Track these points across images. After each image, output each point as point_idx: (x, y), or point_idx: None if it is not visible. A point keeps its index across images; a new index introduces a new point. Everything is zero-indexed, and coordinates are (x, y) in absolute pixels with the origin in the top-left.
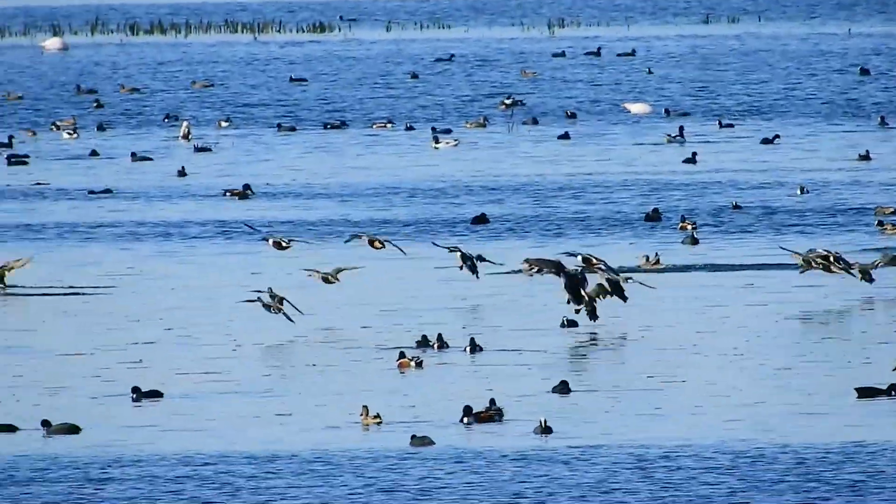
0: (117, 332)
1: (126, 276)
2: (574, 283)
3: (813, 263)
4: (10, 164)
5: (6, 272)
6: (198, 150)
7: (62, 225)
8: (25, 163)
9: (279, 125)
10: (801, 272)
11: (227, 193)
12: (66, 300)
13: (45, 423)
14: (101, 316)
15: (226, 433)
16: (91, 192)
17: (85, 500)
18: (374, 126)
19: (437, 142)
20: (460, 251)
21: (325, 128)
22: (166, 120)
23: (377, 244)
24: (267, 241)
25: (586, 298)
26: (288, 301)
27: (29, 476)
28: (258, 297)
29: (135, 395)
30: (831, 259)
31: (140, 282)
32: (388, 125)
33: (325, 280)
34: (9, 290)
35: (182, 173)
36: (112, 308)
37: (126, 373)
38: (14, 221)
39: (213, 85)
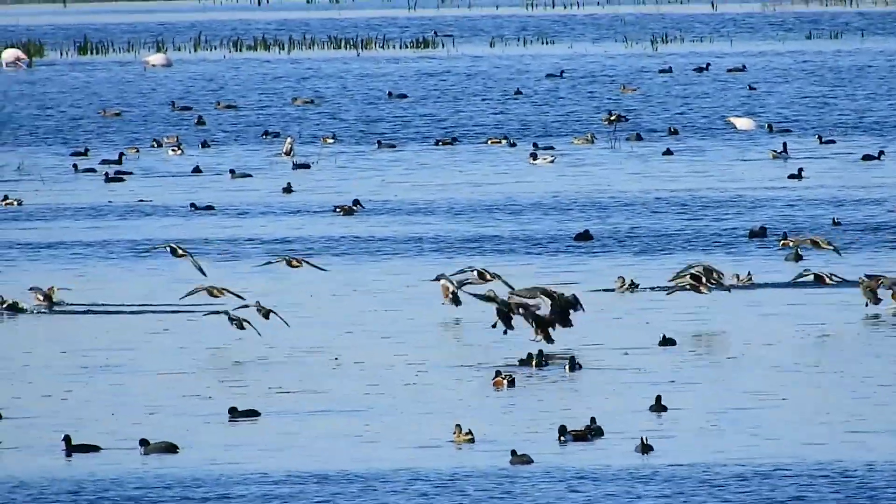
0: (218, 350)
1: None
2: (504, 310)
3: (689, 279)
4: (107, 181)
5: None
6: (297, 166)
7: (167, 242)
8: (123, 180)
9: (379, 142)
10: (669, 294)
11: (338, 209)
12: (168, 318)
13: (144, 442)
14: (202, 334)
15: (323, 452)
16: (194, 207)
17: None
18: (489, 142)
19: (534, 158)
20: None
21: (437, 144)
22: (265, 137)
23: (294, 263)
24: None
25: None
26: (276, 313)
27: (127, 495)
28: (224, 311)
29: (231, 415)
30: (702, 279)
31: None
32: (503, 141)
33: (210, 293)
34: (109, 308)
35: (288, 189)
36: (213, 326)
37: (225, 391)
38: (119, 237)
39: (314, 101)
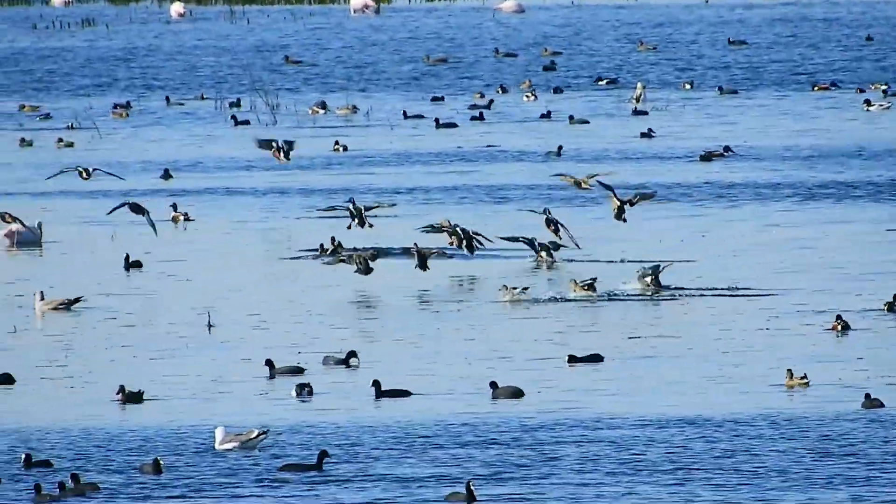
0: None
1: (582, 238)
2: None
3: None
4: (438, 126)
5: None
6: (635, 113)
7: (519, 187)
8: (455, 125)
9: (720, 88)
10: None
11: (707, 154)
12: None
13: (493, 385)
14: (555, 271)
15: (664, 396)
16: (550, 153)
17: (538, 461)
18: (874, 87)
19: (868, 104)
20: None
21: (814, 89)
22: (599, 82)
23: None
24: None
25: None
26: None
27: (473, 439)
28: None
29: (570, 361)
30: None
31: (598, 245)
32: (883, 87)
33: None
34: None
35: (647, 135)
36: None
37: (573, 337)
38: (473, 182)
39: (656, 48)
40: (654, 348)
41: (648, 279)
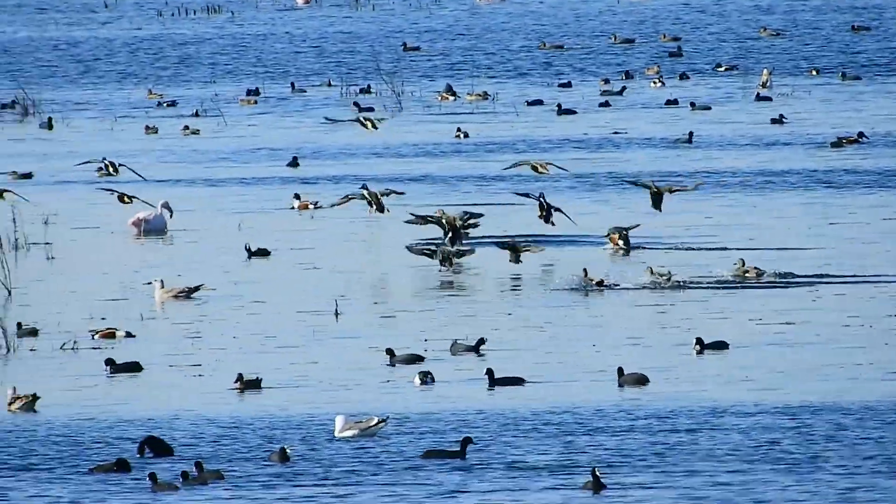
0: (688, 279)
1: (707, 225)
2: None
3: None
4: (559, 113)
5: None
6: (759, 98)
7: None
8: (574, 112)
9: (843, 74)
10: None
11: (842, 141)
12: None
13: (620, 372)
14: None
15: (786, 383)
16: (678, 140)
17: (666, 448)
18: None
19: None
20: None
21: None
22: (719, 69)
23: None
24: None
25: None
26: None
27: (600, 425)
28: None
29: (699, 347)
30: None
31: (728, 233)
32: None
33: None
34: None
35: (778, 120)
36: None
37: (699, 322)
38: (598, 170)
39: (779, 33)
40: (781, 335)
41: (749, 270)
